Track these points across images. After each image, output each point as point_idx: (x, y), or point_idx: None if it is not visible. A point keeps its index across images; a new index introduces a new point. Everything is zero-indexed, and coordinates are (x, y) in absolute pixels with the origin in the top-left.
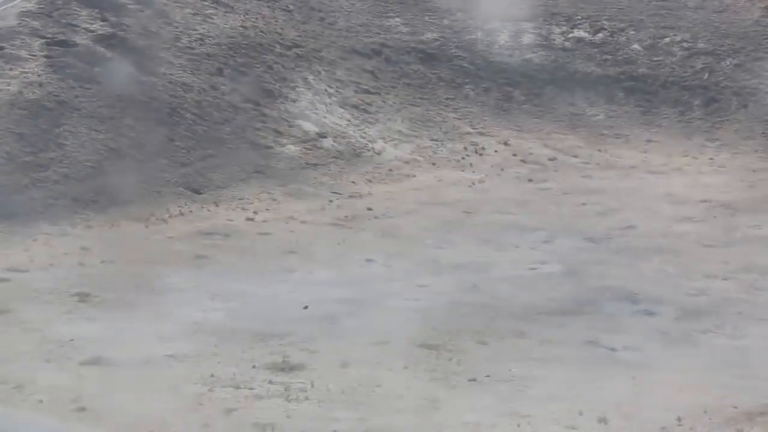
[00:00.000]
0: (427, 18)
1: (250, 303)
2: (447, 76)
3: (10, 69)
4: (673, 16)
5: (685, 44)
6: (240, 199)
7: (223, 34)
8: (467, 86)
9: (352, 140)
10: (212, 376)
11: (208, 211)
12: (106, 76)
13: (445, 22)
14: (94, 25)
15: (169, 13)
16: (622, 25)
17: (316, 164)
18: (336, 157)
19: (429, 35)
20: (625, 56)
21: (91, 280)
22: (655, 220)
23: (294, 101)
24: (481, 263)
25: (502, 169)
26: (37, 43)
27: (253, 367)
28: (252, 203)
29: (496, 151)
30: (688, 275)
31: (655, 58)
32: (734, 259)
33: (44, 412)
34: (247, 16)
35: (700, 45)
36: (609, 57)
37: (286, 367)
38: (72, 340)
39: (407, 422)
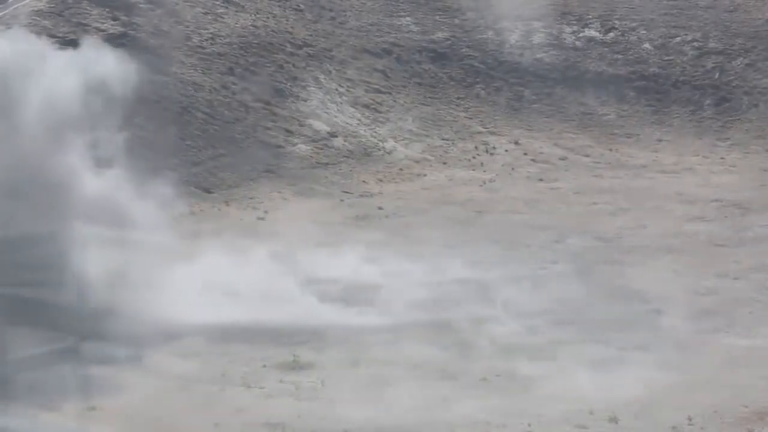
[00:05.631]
0: (437, 17)
1: None
2: (458, 76)
3: None
4: (684, 15)
5: (696, 44)
6: (251, 198)
7: (234, 34)
8: (478, 85)
9: (363, 139)
10: (223, 375)
11: (219, 210)
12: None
13: (456, 21)
14: (105, 24)
15: (180, 12)
16: (633, 24)
17: (327, 163)
18: (347, 157)
19: (440, 35)
20: (636, 55)
21: None
22: (666, 220)
23: (305, 100)
24: (491, 262)
25: (512, 169)
26: (48, 42)
27: (264, 366)
28: (263, 202)
29: (506, 151)
30: (699, 275)
31: (666, 58)
32: (745, 258)
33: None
34: (258, 16)
35: (711, 44)
36: (620, 56)
37: (297, 366)
38: None
39: (418, 421)
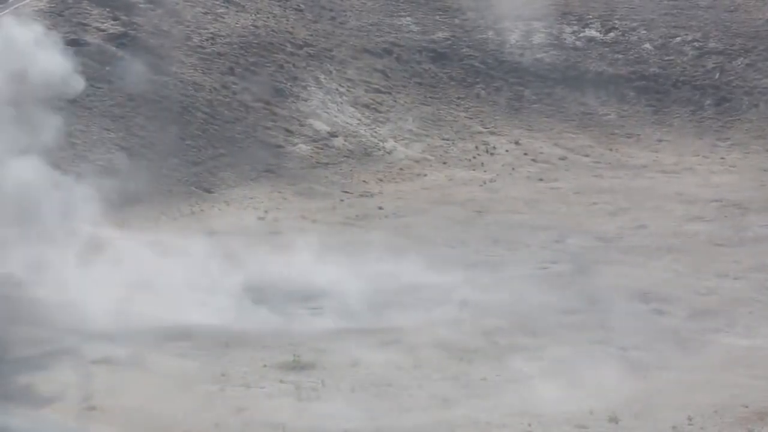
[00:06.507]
0: (438, 17)
1: None
2: (458, 76)
3: None
4: (685, 15)
5: (696, 44)
6: (251, 198)
7: (234, 33)
8: (478, 85)
9: (363, 139)
10: (223, 375)
11: (219, 210)
12: (117, 75)
13: (456, 21)
14: (105, 24)
15: (180, 12)
16: (634, 24)
17: (327, 163)
18: (347, 156)
19: (440, 34)
20: (636, 56)
21: None
22: (666, 220)
23: (305, 100)
24: (492, 262)
25: (513, 169)
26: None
27: (264, 366)
28: (263, 202)
29: (507, 151)
30: (699, 274)
31: (667, 58)
32: (745, 258)
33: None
34: (258, 15)
35: (712, 44)
36: (620, 56)
37: (297, 366)
38: None
39: (418, 421)
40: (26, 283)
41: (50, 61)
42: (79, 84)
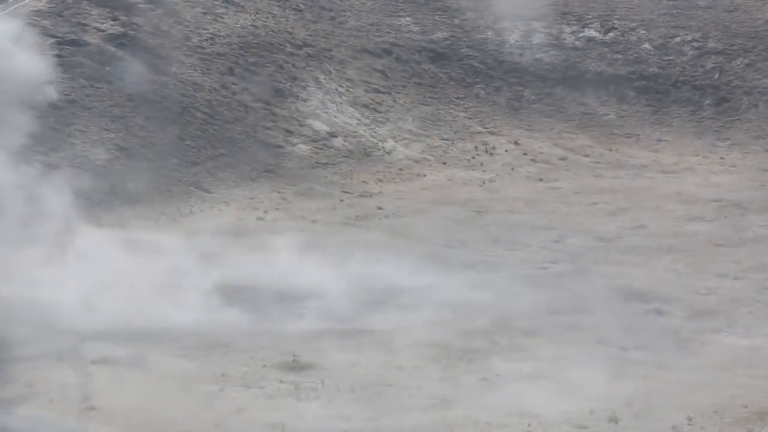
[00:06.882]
0: (437, 17)
1: None
2: (457, 76)
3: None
4: (684, 15)
5: (695, 44)
6: (251, 198)
7: (233, 34)
8: (478, 85)
9: (362, 139)
10: (223, 375)
11: (219, 210)
12: (116, 76)
13: (456, 21)
14: (104, 25)
15: (179, 12)
16: (633, 24)
17: (326, 163)
18: (347, 157)
19: (439, 34)
20: (635, 56)
21: None
22: (666, 220)
23: (305, 100)
24: (492, 262)
25: (512, 169)
26: (47, 42)
27: (264, 366)
28: (263, 202)
29: (506, 151)
30: (699, 274)
31: (666, 58)
32: (745, 258)
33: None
34: (257, 16)
35: (711, 44)
36: (620, 56)
37: (296, 367)
38: None
39: (418, 421)
40: (23, 283)
41: (26, 62)
42: (50, 91)
